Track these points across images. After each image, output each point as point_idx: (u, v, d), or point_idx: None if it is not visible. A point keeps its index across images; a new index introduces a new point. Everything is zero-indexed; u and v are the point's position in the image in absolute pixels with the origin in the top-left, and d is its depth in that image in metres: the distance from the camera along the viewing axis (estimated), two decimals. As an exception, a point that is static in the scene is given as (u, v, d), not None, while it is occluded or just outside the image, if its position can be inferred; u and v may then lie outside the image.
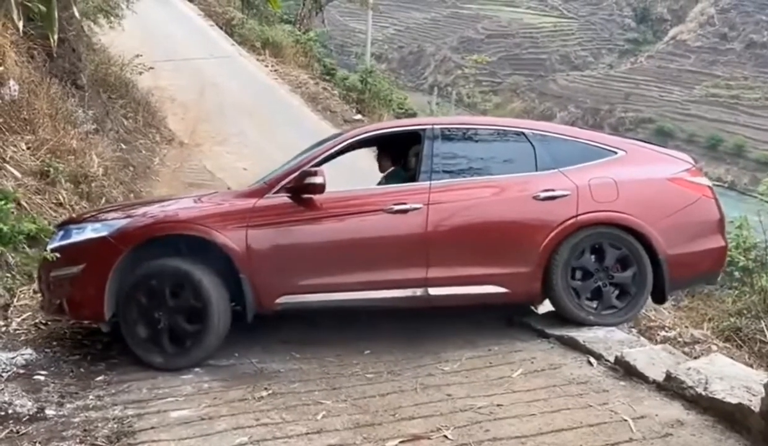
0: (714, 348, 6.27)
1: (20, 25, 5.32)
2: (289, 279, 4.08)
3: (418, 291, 4.13)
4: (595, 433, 2.91)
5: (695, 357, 4.61)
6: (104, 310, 3.97)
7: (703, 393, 3.04)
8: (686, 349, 5.10)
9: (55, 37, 5.95)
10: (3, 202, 3.67)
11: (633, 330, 4.97)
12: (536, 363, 3.79)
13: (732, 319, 7.77)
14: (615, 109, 53.77)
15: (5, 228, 3.55)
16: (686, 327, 6.86)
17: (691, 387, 3.11)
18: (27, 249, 4.46)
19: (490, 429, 3.00)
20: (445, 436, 2.97)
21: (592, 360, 3.75)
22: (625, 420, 3.00)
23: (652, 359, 3.52)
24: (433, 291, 4.13)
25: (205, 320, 3.94)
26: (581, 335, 4.01)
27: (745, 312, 7.93)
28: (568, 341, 4.01)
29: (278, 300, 4.07)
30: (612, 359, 3.65)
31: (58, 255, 4.01)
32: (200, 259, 4.01)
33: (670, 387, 3.21)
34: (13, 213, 3.91)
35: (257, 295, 4.04)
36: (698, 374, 3.16)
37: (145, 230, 4.06)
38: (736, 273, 9.07)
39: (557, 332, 4.14)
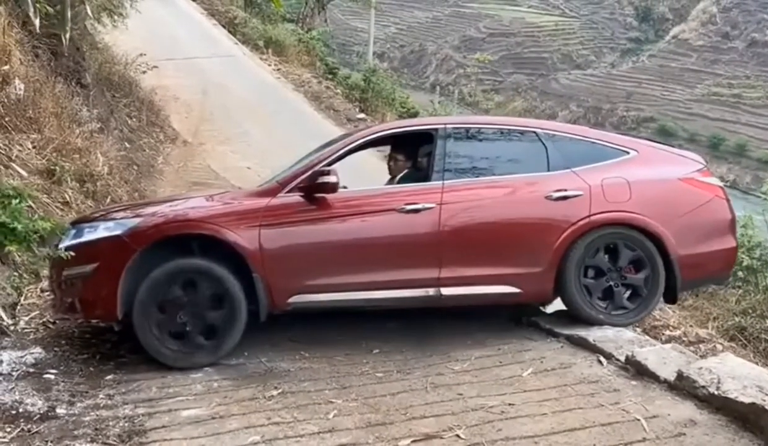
0: (719, 347, 6.27)
1: (37, 22, 5.32)
2: (301, 278, 4.08)
3: (431, 291, 4.13)
4: (608, 433, 2.91)
5: (701, 356, 4.62)
6: (117, 309, 3.95)
7: (716, 392, 3.04)
8: (691, 348, 5.10)
9: (67, 35, 5.94)
10: (17, 200, 3.65)
11: (637, 329, 4.96)
12: (546, 362, 3.79)
13: (737, 318, 7.78)
14: (617, 108, 53.69)
15: (19, 227, 3.53)
16: (691, 326, 6.86)
17: (703, 387, 3.10)
18: (34, 248, 4.45)
19: (502, 429, 3.00)
20: (458, 435, 2.96)
21: (602, 359, 3.75)
22: (638, 420, 3.00)
23: (663, 358, 3.52)
24: (446, 291, 4.13)
25: (231, 317, 3.95)
26: (591, 334, 4.00)
27: (749, 311, 7.94)
28: (577, 340, 4.01)
29: (291, 300, 4.07)
30: (622, 358, 3.64)
31: (72, 253, 3.98)
32: (215, 258, 4.01)
33: (682, 387, 3.21)
34: (28, 211, 3.88)
35: (270, 294, 4.03)
36: (710, 373, 3.16)
37: (160, 229, 4.03)
38: (740, 273, 9.07)
39: (566, 331, 4.14)
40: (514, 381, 3.57)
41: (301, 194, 4.15)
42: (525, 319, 4.54)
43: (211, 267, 3.98)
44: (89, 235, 4.11)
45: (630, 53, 61.47)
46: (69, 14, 5.78)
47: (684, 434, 2.85)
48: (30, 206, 4.69)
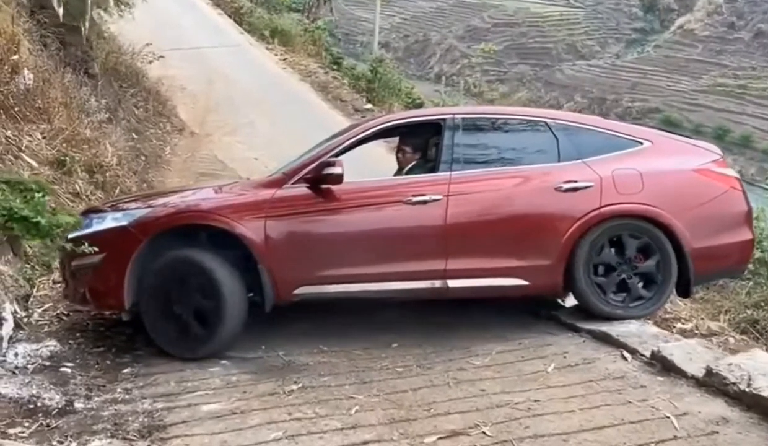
0: (731, 340, 6.22)
1: (60, 12, 5.26)
2: (307, 269, 4.04)
3: (437, 283, 4.08)
4: (638, 431, 2.86)
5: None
6: (124, 300, 3.97)
7: (747, 389, 2.98)
8: (704, 342, 5.05)
9: (87, 24, 5.88)
10: (40, 194, 3.61)
11: (649, 321, 4.91)
12: (569, 357, 3.73)
13: (748, 311, 7.72)
14: (621, 98, 53.39)
15: (43, 221, 3.48)
16: (702, 319, 6.79)
17: (733, 384, 3.05)
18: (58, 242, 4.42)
19: (529, 426, 2.95)
20: (484, 433, 2.91)
21: (626, 354, 3.69)
22: (668, 417, 2.94)
23: (689, 354, 3.47)
24: (452, 283, 4.08)
25: (219, 311, 3.91)
26: (613, 329, 3.95)
27: (762, 304, 7.88)
28: (600, 335, 3.95)
29: (296, 291, 4.04)
30: (647, 354, 3.59)
31: (77, 245, 3.96)
32: (218, 249, 3.99)
33: (711, 383, 3.15)
34: (49, 205, 3.85)
35: (275, 286, 4.00)
36: (740, 370, 3.11)
37: (165, 220, 4.04)
38: (751, 266, 9.01)
39: (588, 326, 4.08)
40: (537, 376, 3.51)
41: (307, 185, 4.11)
42: (544, 313, 4.48)
43: (201, 260, 3.95)
44: (97, 226, 4.12)
45: (635, 44, 61.10)
46: (90, 2, 5.71)
47: (717, 432, 2.80)
48: (50, 199, 4.66)
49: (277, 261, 3.98)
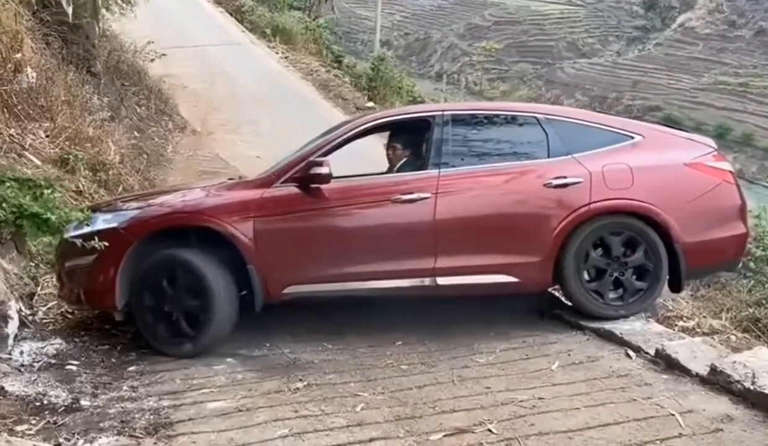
0: (733, 338, 6.24)
1: (69, 11, 5.28)
2: (296, 269, 4.07)
3: (426, 281, 4.09)
4: (643, 428, 2.87)
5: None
6: (116, 300, 4.01)
7: (752, 387, 3.00)
8: (706, 339, 5.05)
9: (100, 24, 5.88)
10: (49, 191, 3.63)
11: (650, 319, 4.92)
12: (573, 355, 3.75)
13: (750, 310, 7.72)
14: (623, 96, 53.32)
15: (53, 218, 3.51)
16: (704, 317, 6.82)
17: (738, 382, 3.06)
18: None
19: (534, 424, 2.96)
20: (490, 430, 2.93)
21: (630, 352, 3.71)
22: (672, 415, 2.96)
23: (694, 352, 3.48)
24: (442, 280, 4.08)
25: (208, 309, 3.94)
26: (617, 327, 3.96)
27: (763, 302, 7.88)
28: (603, 333, 3.97)
29: (286, 291, 4.06)
30: (652, 352, 3.60)
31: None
32: (208, 249, 4.02)
33: (716, 381, 3.16)
34: (60, 201, 3.87)
35: (265, 285, 4.03)
36: (744, 368, 3.12)
37: (155, 222, 4.09)
38: (752, 264, 9.01)
39: (592, 324, 4.09)
40: (541, 374, 3.53)
41: (296, 185, 4.12)
42: (548, 311, 4.48)
43: (190, 259, 3.99)
44: (89, 227, 4.11)
45: (636, 42, 61.02)
46: (99, 1, 5.72)
47: (721, 430, 2.81)
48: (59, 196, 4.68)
49: (266, 260, 4.00)
